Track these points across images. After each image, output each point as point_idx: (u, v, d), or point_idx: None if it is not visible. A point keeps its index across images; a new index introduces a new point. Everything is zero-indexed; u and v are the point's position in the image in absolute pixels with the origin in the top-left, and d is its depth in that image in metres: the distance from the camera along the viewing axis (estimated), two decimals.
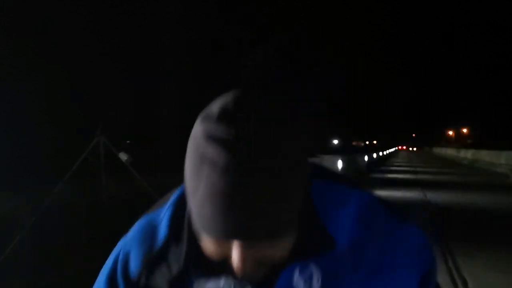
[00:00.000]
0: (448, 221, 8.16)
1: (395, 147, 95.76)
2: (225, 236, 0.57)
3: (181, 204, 0.71)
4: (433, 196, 12.00)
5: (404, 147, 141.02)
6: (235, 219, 0.55)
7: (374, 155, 28.56)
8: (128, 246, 0.75)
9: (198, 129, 0.58)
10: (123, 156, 5.14)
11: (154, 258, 0.70)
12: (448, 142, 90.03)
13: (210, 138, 0.56)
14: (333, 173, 0.77)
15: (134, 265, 0.73)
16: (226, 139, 0.55)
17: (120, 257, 0.75)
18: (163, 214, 0.73)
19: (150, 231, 0.73)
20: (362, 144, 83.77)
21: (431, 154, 70.67)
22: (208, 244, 0.61)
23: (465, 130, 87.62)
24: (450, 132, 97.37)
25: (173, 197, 0.74)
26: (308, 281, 0.66)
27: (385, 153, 43.38)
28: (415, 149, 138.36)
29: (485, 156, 28.92)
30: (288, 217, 0.58)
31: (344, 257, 0.67)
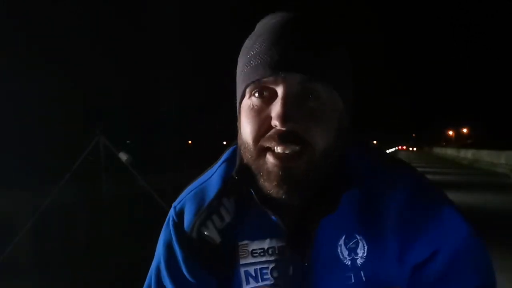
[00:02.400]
0: None
1: (395, 147, 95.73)
2: (271, 69, 0.64)
3: (231, 161, 0.77)
4: None
5: (404, 147, 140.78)
6: (281, 50, 0.64)
7: None
8: (181, 205, 0.79)
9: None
10: (123, 156, 5.13)
11: (206, 210, 0.74)
12: (448, 142, 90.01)
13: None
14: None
15: (188, 220, 0.76)
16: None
17: (172, 218, 0.79)
18: (212, 173, 0.79)
19: (201, 189, 0.78)
20: None
21: (431, 154, 70.62)
22: (248, 122, 0.69)
23: (465, 130, 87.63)
24: (450, 132, 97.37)
25: (223, 157, 0.80)
26: (353, 250, 0.68)
27: None
28: (415, 149, 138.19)
29: (485, 156, 28.91)
30: (331, 60, 0.68)
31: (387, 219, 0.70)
